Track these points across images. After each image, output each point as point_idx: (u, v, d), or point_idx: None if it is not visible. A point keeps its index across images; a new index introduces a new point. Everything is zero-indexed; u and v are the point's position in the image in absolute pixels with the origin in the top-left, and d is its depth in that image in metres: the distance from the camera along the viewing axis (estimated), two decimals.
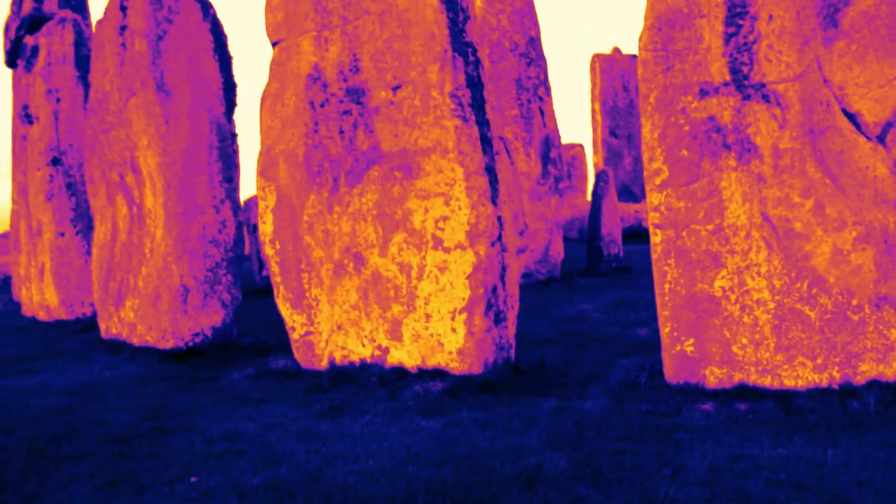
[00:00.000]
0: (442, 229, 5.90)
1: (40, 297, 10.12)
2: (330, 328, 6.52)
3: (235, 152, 7.95)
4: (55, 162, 9.66)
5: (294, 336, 6.72)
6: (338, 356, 6.51)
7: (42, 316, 10.17)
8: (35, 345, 8.78)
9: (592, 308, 9.38)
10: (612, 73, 20.16)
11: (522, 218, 11.34)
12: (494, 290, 5.92)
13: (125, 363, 7.49)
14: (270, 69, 6.62)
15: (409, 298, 6.09)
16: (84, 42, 10.03)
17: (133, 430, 5.36)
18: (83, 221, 9.82)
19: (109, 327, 8.38)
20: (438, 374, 6.02)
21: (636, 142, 20.33)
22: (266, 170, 6.67)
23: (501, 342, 6.07)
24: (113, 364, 7.51)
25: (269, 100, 6.61)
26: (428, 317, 6.01)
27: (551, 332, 8.05)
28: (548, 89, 11.67)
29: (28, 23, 10.18)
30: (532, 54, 11.49)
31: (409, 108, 6.01)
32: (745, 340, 5.31)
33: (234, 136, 7.94)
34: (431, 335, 6.02)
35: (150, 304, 7.70)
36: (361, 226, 6.23)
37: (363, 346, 6.37)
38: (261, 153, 6.71)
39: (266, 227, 6.72)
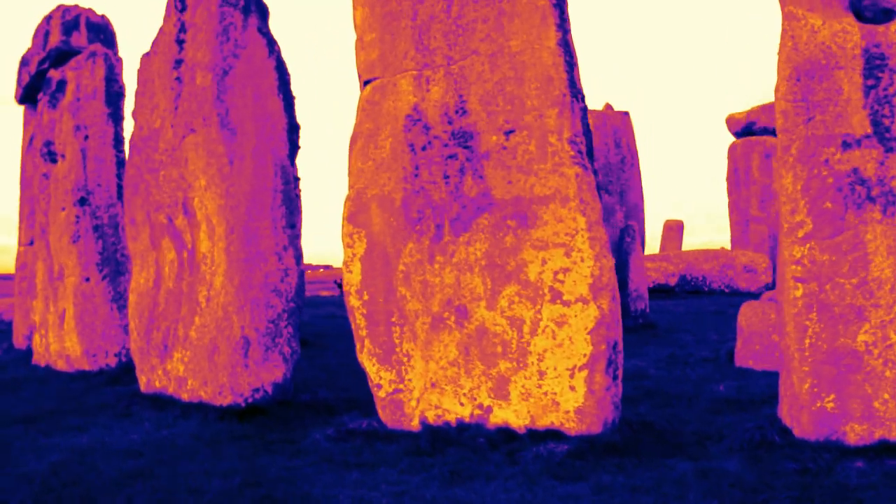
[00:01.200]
0: (561, 282, 5.60)
1: (59, 346, 9.36)
2: (423, 386, 6.09)
3: (298, 197, 7.55)
4: (82, 202, 9.05)
5: (380, 394, 6.26)
6: (430, 416, 6.07)
7: (61, 366, 9.41)
8: (63, 398, 8.06)
9: (646, 365, 9.12)
10: (604, 129, 20.32)
11: None
12: (615, 345, 5.62)
13: (179, 421, 6.87)
14: (362, 109, 6.30)
15: (519, 354, 5.73)
16: (115, 77, 9.55)
17: (239, 499, 4.82)
18: (110, 266, 9.19)
19: (152, 380, 7.75)
20: (552, 435, 5.64)
21: (628, 198, 20.45)
22: (355, 215, 6.29)
23: (616, 400, 5.75)
24: (165, 421, 6.89)
25: (361, 141, 6.27)
26: (542, 374, 5.66)
27: (623, 389, 7.74)
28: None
29: (54, 56, 9.64)
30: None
31: (525, 154, 5.75)
32: (886, 396, 5.11)
33: (297, 179, 7.55)
34: (545, 394, 5.66)
35: (206, 356, 7.14)
36: (467, 277, 5.88)
37: (461, 405, 5.96)
38: (349, 198, 6.33)
39: (352, 277, 6.30)
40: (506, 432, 5.79)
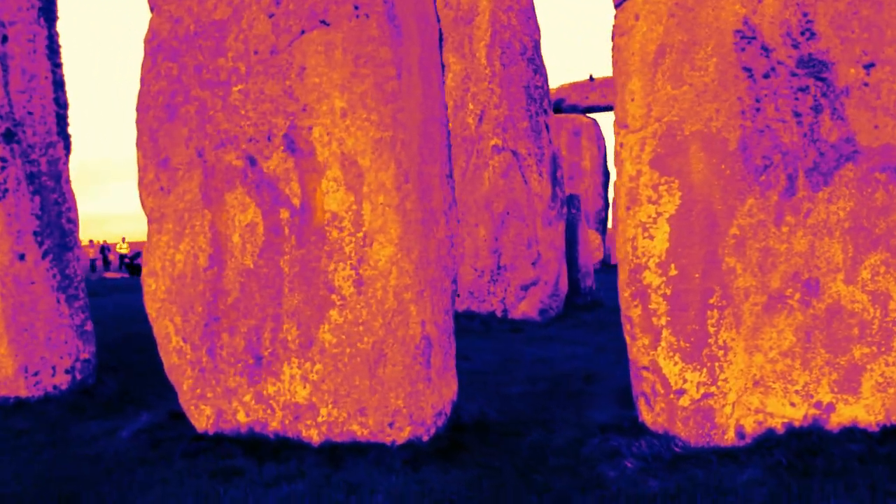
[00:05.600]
0: None
1: None
2: (742, 386, 4.63)
3: (450, 135, 5.39)
4: (8, 137, 5.46)
5: (680, 402, 4.63)
6: (748, 423, 4.65)
7: None
8: (45, 451, 4.76)
9: None
10: None
11: (536, 246, 9.85)
12: None
13: (347, 476, 4.38)
14: (669, 14, 4.54)
15: (881, 336, 4.61)
16: None
17: None
18: (53, 236, 5.71)
19: (229, 412, 4.97)
20: None
21: None
22: (664, 158, 4.53)
23: None
24: (319, 479, 4.35)
25: (671, 57, 4.53)
26: None
27: None
28: (550, 102, 10.40)
29: None
30: (537, 61, 10.14)
31: (889, 94, 4.60)
32: None
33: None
34: None
35: (362, 370, 4.72)
36: (824, 243, 4.55)
37: (791, 405, 4.65)
38: (655, 133, 4.54)
39: (654, 245, 4.55)
40: (855, 432, 4.66)
